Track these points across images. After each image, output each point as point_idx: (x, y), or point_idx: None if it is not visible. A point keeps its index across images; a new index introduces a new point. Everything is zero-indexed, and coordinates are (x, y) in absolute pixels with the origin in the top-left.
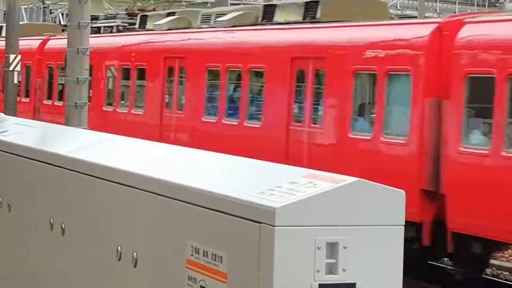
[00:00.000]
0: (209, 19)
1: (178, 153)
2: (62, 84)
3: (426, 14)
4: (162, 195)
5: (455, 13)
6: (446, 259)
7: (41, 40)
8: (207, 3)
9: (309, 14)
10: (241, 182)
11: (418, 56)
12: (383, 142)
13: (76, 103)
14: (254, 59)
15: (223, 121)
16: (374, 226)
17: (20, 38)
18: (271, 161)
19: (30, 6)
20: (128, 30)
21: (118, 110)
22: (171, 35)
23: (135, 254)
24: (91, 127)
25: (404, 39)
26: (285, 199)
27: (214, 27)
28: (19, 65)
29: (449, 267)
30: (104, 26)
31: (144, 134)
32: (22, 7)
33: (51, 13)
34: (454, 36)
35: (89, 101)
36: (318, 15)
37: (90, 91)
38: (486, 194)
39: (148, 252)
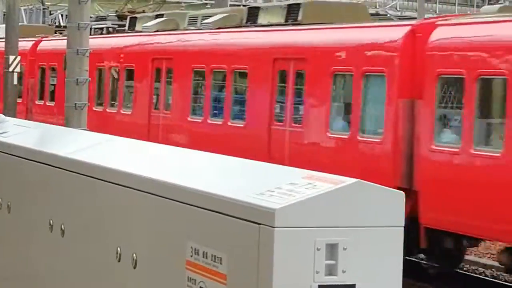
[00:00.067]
0: (196, 21)
1: (177, 154)
2: (54, 85)
3: (426, 16)
4: (162, 196)
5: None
6: (420, 254)
7: (34, 42)
8: (206, 4)
9: (291, 16)
10: (241, 183)
11: (393, 58)
12: (360, 141)
13: (75, 104)
14: (238, 60)
15: (208, 121)
16: (373, 228)
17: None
18: (253, 159)
19: (30, 7)
20: (118, 31)
21: (107, 110)
22: (159, 36)
23: (134, 255)
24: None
25: (379, 41)
26: (285, 200)
27: (200, 29)
28: (18, 66)
29: (423, 262)
30: (94, 28)
31: (132, 134)
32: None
33: (50, 14)
34: (427, 38)
35: None
36: (299, 18)
37: None
38: (457, 190)
39: (147, 253)
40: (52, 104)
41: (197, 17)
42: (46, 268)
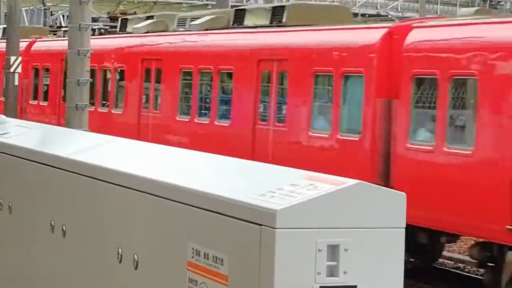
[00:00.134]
0: (185, 23)
1: (179, 155)
2: (47, 85)
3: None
4: (163, 197)
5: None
6: None
7: (28, 42)
8: (207, 5)
9: (276, 18)
10: (242, 184)
11: (370, 59)
12: (339, 140)
13: (77, 105)
14: (224, 61)
15: (196, 120)
16: (375, 229)
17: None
18: (238, 157)
19: (31, 8)
20: (110, 33)
21: (99, 110)
22: (149, 38)
23: (136, 256)
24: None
25: (358, 43)
26: (286, 201)
27: (189, 30)
28: (19, 67)
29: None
30: None
31: (123, 134)
32: (23, 8)
33: (51, 15)
34: (403, 40)
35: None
36: (284, 20)
37: None
38: (431, 187)
39: (149, 254)
40: (45, 104)
41: (186, 18)
42: (47, 269)
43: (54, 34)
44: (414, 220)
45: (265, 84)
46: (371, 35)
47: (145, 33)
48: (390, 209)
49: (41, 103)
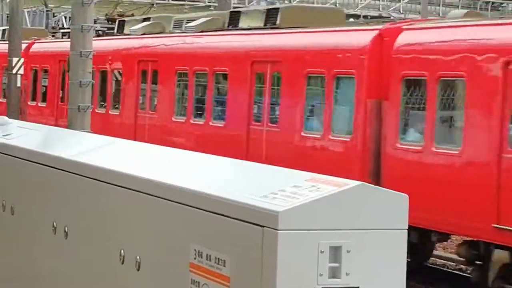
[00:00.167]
0: (181, 25)
1: (181, 156)
2: (46, 86)
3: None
4: (165, 199)
5: None
6: None
7: (27, 44)
8: (210, 6)
9: (270, 20)
10: (244, 185)
11: (361, 61)
12: (331, 140)
13: (79, 106)
14: (219, 62)
15: (191, 121)
16: (377, 230)
17: (6, 42)
18: (233, 157)
19: (33, 9)
20: (107, 34)
21: (96, 111)
22: (145, 39)
23: (138, 257)
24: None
25: (349, 45)
26: (288, 203)
27: (185, 32)
28: (22, 68)
29: None
30: None
31: (120, 134)
32: (25, 10)
33: (54, 16)
34: (393, 42)
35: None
36: (278, 22)
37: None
38: (421, 187)
39: (151, 256)
40: (43, 105)
41: (182, 20)
42: (49, 270)
43: (53, 36)
44: None
45: (259, 85)
46: (362, 37)
47: (141, 34)
48: (392, 210)
49: (39, 104)
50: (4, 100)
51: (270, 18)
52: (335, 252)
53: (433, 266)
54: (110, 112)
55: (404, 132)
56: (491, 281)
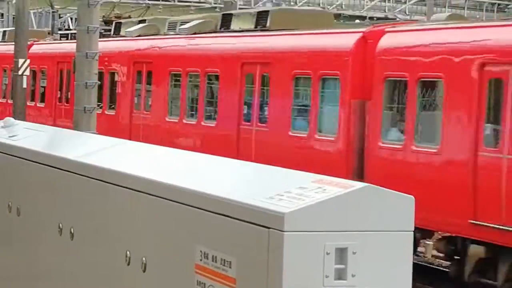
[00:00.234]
0: (175, 27)
1: (187, 158)
2: (44, 87)
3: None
4: (171, 200)
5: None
6: None
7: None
8: (215, 8)
9: (260, 23)
10: (250, 187)
11: (346, 62)
12: (317, 140)
13: (85, 107)
14: (211, 64)
15: (184, 121)
16: (383, 232)
17: (6, 43)
18: (223, 156)
19: (39, 10)
20: (104, 36)
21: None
22: (140, 41)
23: (144, 259)
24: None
25: (334, 47)
26: (294, 204)
27: (178, 34)
28: (28, 70)
29: None
30: None
31: (115, 134)
32: (31, 11)
33: (60, 17)
34: (376, 44)
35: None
36: (268, 24)
37: (69, 93)
38: (402, 184)
39: (157, 257)
40: (42, 105)
41: (176, 22)
42: (55, 271)
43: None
44: None
45: (249, 86)
46: (347, 39)
47: (137, 36)
48: (398, 212)
49: (38, 105)
50: (4, 101)
51: (261, 20)
52: (341, 253)
53: (415, 262)
54: (106, 113)
55: (386, 131)
56: (467, 275)
